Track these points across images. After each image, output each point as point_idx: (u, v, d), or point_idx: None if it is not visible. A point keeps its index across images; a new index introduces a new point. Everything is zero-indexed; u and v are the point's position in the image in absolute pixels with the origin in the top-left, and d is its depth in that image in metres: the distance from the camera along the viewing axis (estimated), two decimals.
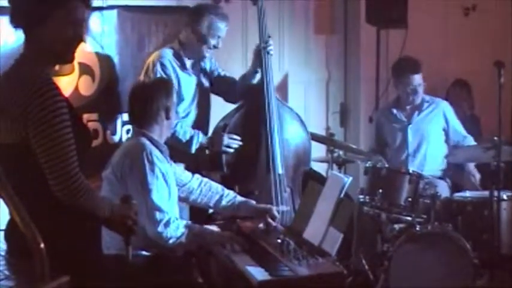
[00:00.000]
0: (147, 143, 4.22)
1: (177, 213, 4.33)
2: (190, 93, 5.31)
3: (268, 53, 5.39)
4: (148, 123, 4.30)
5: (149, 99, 4.30)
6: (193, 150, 5.24)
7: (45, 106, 2.87)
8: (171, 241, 4.11)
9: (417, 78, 6.14)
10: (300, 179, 5.57)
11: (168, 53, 5.22)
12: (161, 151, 4.27)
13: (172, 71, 5.18)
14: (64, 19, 3.05)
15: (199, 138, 5.25)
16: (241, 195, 5.06)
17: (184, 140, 5.20)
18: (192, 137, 5.22)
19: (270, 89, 5.40)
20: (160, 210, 4.10)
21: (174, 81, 5.07)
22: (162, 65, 5.14)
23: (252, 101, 5.47)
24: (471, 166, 6.14)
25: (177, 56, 5.25)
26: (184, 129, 5.22)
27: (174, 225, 4.12)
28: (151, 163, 4.13)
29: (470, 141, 6.20)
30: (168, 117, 4.33)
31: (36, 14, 3.01)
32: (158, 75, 5.10)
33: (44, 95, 2.88)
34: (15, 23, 3.05)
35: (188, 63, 5.33)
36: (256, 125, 5.39)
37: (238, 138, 5.36)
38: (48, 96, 2.89)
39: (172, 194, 4.26)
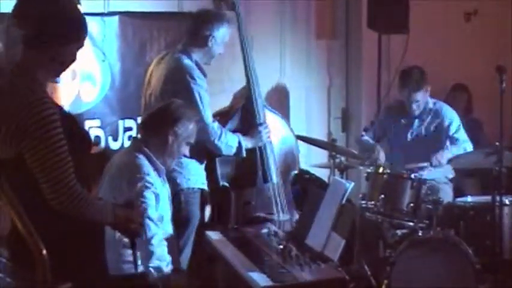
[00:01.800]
0: (145, 163, 4.23)
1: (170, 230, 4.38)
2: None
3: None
4: (151, 138, 4.33)
5: (164, 118, 4.35)
6: (244, 154, 5.22)
7: (36, 120, 2.86)
8: (155, 261, 4.08)
9: (416, 96, 6.12)
10: (290, 184, 5.58)
11: (190, 64, 5.10)
12: (157, 170, 4.28)
13: (202, 82, 5.08)
14: (79, 45, 3.11)
15: (243, 142, 5.22)
16: (238, 205, 5.09)
17: (235, 148, 5.16)
18: (239, 143, 5.18)
19: (258, 94, 5.40)
20: (155, 224, 4.11)
21: (206, 92, 5.05)
22: (199, 78, 5.04)
23: (242, 110, 5.45)
24: None
25: (196, 64, 5.14)
26: (231, 136, 5.17)
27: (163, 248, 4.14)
28: (149, 183, 4.14)
29: (467, 148, 6.18)
30: (168, 144, 4.33)
31: (67, 37, 3.03)
32: (196, 89, 4.99)
33: (36, 109, 2.87)
34: (38, 42, 3.03)
35: (204, 71, 5.23)
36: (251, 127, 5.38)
37: (267, 124, 5.38)
38: (40, 109, 2.87)
39: (164, 214, 4.28)
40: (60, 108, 3.05)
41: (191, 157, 4.81)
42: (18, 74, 3.01)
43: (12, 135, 2.90)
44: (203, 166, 5.19)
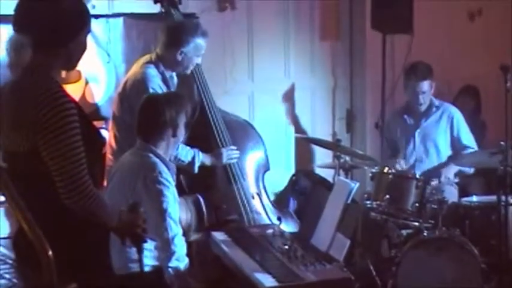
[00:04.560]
0: (157, 160, 4.19)
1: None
2: None
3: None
4: (153, 138, 4.26)
5: (157, 112, 4.26)
6: (196, 170, 5.18)
7: (55, 114, 2.88)
8: (174, 261, 4.06)
9: (422, 85, 6.13)
10: (263, 182, 5.62)
11: (153, 74, 5.05)
12: (168, 169, 4.24)
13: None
14: (86, 33, 3.12)
15: (200, 157, 5.19)
16: (209, 211, 5.20)
17: (187, 161, 5.12)
18: (193, 157, 5.14)
19: (212, 105, 5.41)
20: (175, 222, 4.09)
21: None
22: (153, 89, 4.94)
23: (197, 118, 5.40)
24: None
25: (162, 76, 5.11)
26: (185, 150, 5.12)
27: (183, 248, 4.13)
28: (165, 180, 4.12)
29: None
30: (174, 135, 4.29)
31: (72, 32, 3.04)
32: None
33: (54, 103, 2.89)
34: (43, 41, 3.02)
35: (169, 80, 5.20)
36: (206, 140, 5.38)
37: (235, 148, 5.39)
38: (57, 103, 2.89)
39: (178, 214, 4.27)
40: (78, 105, 3.05)
41: None
42: (32, 73, 3.01)
43: (29, 128, 2.91)
44: None
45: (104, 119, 5.56)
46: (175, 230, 4.06)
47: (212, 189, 5.39)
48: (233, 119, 5.63)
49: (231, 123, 5.54)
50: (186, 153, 5.11)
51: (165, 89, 5.05)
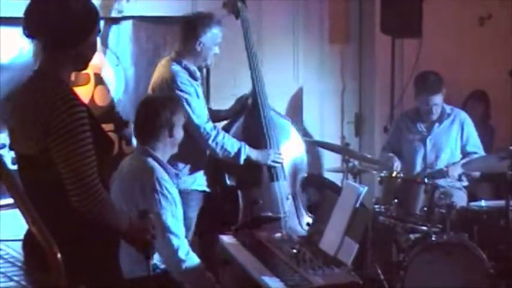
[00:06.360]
0: (156, 165, 4.19)
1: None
2: (204, 103, 5.29)
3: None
4: (151, 140, 4.27)
5: (152, 114, 4.28)
6: (242, 161, 5.22)
7: (65, 117, 2.88)
8: (184, 268, 4.10)
9: (435, 99, 6.10)
10: (300, 186, 5.62)
11: (179, 70, 5.12)
12: (168, 173, 4.24)
13: (191, 87, 5.10)
14: (96, 33, 3.13)
15: (246, 150, 5.24)
16: (246, 204, 5.20)
17: (233, 153, 5.18)
18: (239, 149, 5.20)
19: (265, 104, 5.44)
20: (176, 236, 4.10)
21: (194, 96, 5.07)
22: (182, 83, 5.05)
23: (249, 113, 5.49)
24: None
25: (186, 70, 5.16)
26: (231, 140, 5.20)
27: (192, 256, 4.14)
28: (163, 188, 4.11)
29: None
30: (171, 135, 4.30)
31: (83, 33, 3.05)
32: (181, 96, 4.99)
33: (65, 105, 2.89)
34: (54, 43, 3.03)
35: (194, 73, 5.24)
36: (256, 136, 5.40)
37: (281, 153, 5.42)
38: (68, 106, 2.90)
39: (179, 215, 4.26)
40: (88, 108, 3.06)
41: (186, 163, 5.00)
42: (42, 76, 3.02)
43: (40, 130, 2.91)
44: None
45: (113, 121, 5.55)
46: (176, 243, 4.09)
47: (254, 183, 5.40)
48: (279, 117, 5.65)
49: (277, 121, 5.57)
50: (232, 144, 5.18)
51: (194, 83, 5.14)
